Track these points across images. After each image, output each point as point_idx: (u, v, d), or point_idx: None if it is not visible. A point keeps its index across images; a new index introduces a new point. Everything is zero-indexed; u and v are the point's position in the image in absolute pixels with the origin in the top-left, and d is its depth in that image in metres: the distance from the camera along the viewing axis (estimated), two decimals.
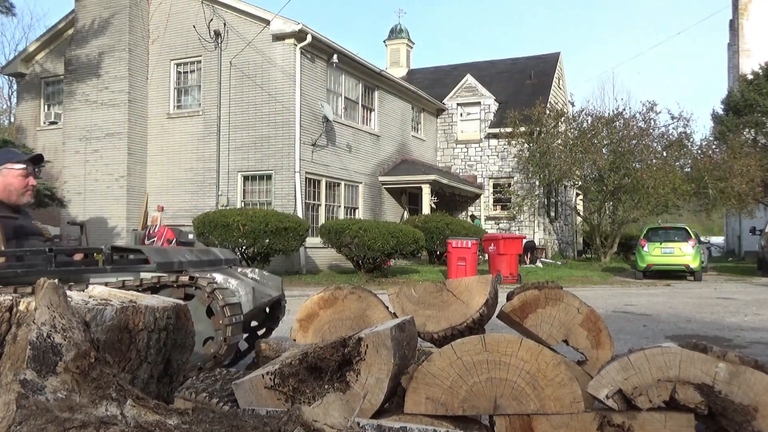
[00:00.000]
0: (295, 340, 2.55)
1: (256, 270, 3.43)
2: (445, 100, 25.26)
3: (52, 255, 2.60)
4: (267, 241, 13.35)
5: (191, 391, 1.97)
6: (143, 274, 2.69)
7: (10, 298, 1.16)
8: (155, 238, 14.58)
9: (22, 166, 3.13)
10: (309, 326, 2.53)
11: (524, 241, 17.61)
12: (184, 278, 2.55)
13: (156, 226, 15.05)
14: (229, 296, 2.54)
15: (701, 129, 67.14)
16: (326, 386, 1.78)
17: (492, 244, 14.66)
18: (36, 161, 3.25)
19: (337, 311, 2.54)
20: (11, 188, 3.10)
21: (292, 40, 16.35)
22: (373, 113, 20.72)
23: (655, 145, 22.40)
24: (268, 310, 3.55)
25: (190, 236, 14.59)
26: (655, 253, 16.71)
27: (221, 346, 2.42)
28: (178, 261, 2.88)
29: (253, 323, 3.56)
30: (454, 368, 1.80)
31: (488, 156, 24.78)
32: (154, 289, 2.54)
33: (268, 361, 2.28)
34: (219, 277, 2.77)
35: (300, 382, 1.79)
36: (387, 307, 2.57)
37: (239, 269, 3.39)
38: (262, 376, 1.84)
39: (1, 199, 3.09)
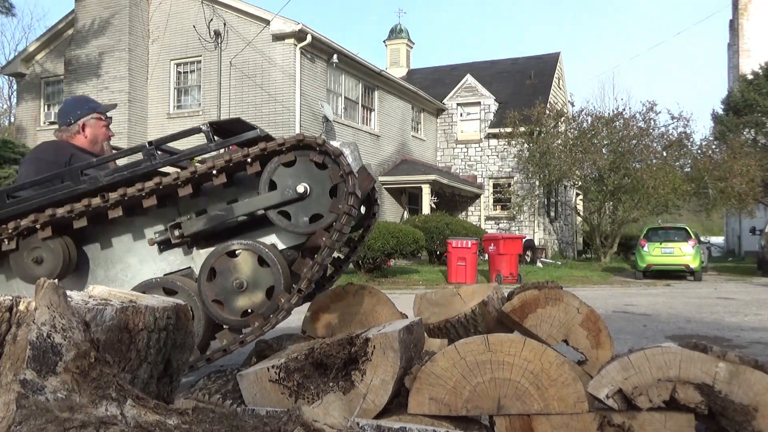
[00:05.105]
0: (305, 332, 2.63)
1: None
2: (445, 100, 25.25)
3: (153, 148, 2.34)
4: None
5: (204, 393, 1.96)
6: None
7: (10, 298, 1.16)
8: None
9: (107, 116, 3.03)
10: (320, 318, 2.62)
11: (524, 241, 17.61)
12: (330, 147, 2.21)
13: None
14: (354, 173, 2.21)
15: (701, 129, 67.13)
16: (331, 383, 1.77)
17: (492, 244, 14.65)
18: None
19: (348, 305, 2.64)
20: (98, 139, 2.99)
21: (292, 40, 16.34)
22: (373, 113, 20.72)
23: (655, 145, 22.38)
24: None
25: None
26: (655, 253, 16.70)
27: (332, 228, 2.13)
28: None
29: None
30: (457, 368, 1.79)
31: (488, 156, 24.77)
32: (272, 153, 2.20)
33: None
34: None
35: (305, 377, 1.79)
36: (395, 306, 2.66)
37: None
38: (268, 369, 1.84)
39: (87, 148, 2.95)
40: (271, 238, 2.35)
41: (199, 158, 2.51)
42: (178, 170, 2.33)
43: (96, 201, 2.24)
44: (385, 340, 1.79)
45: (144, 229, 2.43)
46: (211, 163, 2.24)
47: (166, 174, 2.40)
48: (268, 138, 2.33)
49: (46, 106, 19.81)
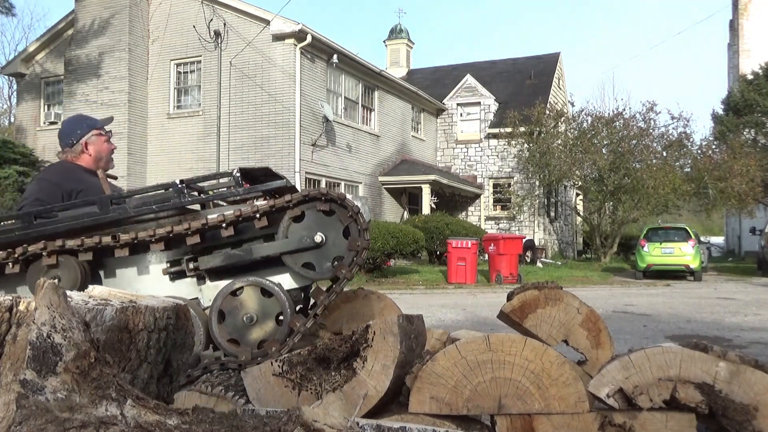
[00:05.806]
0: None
1: None
2: (445, 100, 25.26)
3: (183, 186, 2.38)
4: None
5: (207, 385, 1.99)
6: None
7: (10, 298, 1.16)
8: None
9: (106, 130, 3.05)
10: (329, 315, 2.74)
11: (524, 241, 17.61)
12: (333, 194, 2.33)
13: None
14: (365, 219, 2.36)
15: (701, 129, 67.11)
16: (333, 373, 1.82)
17: (492, 244, 14.66)
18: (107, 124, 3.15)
19: (355, 307, 2.76)
20: (102, 154, 3.02)
21: (292, 40, 16.35)
22: (373, 113, 20.72)
23: (655, 145, 22.40)
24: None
25: None
26: (655, 253, 16.71)
27: (352, 263, 2.30)
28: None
29: None
30: (458, 368, 1.80)
31: (488, 156, 24.78)
32: (281, 209, 2.31)
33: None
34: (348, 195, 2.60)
35: (308, 370, 1.85)
36: (401, 311, 2.74)
37: None
38: (271, 363, 1.89)
39: (92, 167, 2.96)
40: (283, 278, 2.41)
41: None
42: (199, 207, 2.45)
43: (106, 240, 2.31)
44: (384, 325, 1.82)
45: (158, 257, 2.47)
46: (221, 216, 2.32)
47: (193, 210, 2.48)
48: (293, 189, 2.44)
49: (46, 106, 19.81)
